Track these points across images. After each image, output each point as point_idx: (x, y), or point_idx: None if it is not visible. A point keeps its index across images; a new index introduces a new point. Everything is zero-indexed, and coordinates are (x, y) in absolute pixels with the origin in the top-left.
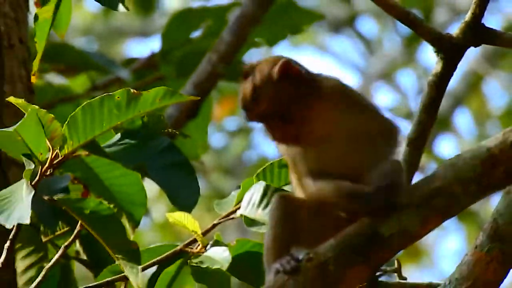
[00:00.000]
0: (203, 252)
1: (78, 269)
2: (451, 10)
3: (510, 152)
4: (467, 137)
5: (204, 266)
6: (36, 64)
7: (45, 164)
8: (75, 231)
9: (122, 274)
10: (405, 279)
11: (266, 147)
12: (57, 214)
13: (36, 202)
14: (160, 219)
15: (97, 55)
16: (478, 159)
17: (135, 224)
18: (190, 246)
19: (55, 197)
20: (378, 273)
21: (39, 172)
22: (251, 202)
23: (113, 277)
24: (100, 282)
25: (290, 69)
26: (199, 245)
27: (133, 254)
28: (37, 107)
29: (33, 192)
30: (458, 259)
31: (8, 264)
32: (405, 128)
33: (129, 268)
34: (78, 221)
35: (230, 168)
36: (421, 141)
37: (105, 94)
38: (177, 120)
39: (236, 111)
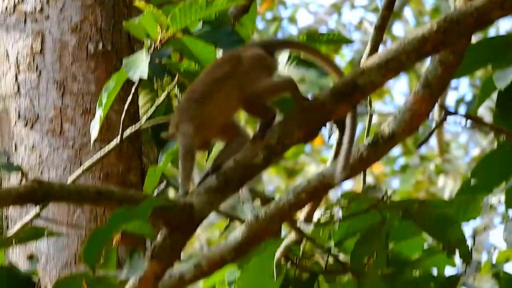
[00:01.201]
0: None
1: None
2: None
3: (435, 35)
4: (411, 24)
5: None
6: None
7: (157, 41)
8: (175, 81)
9: None
10: (373, 108)
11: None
12: (164, 71)
13: (151, 64)
14: None
15: None
16: (416, 39)
17: None
18: None
19: (163, 61)
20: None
21: (153, 45)
22: (281, 63)
23: None
24: None
25: None
26: None
27: None
28: (152, 5)
29: (149, 58)
30: (405, 97)
31: (133, 101)
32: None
33: None
34: (176, 75)
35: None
36: (383, 27)
37: None
38: (236, 15)
39: (271, 7)
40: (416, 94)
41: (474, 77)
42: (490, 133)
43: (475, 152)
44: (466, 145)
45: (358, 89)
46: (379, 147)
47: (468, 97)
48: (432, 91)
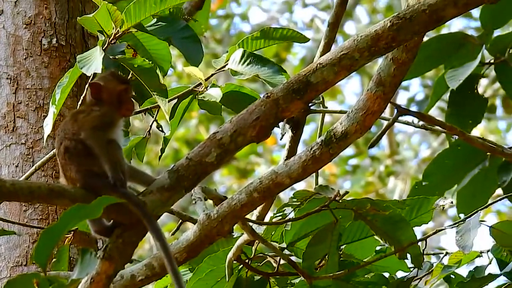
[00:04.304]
0: (205, 91)
1: None
2: None
3: (388, 32)
4: (364, 22)
5: (205, 99)
6: None
7: (111, 37)
8: (128, 77)
9: (156, 104)
10: (326, 107)
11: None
12: (117, 67)
13: (105, 60)
14: (179, 71)
15: None
16: (369, 36)
17: (164, 73)
18: (197, 87)
19: (117, 57)
20: (310, 104)
21: (107, 41)
22: (235, 60)
23: (151, 105)
24: (143, 108)
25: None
26: (203, 86)
27: (163, 92)
28: (106, 2)
29: (103, 54)
30: (357, 97)
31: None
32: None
33: (160, 100)
34: (130, 72)
35: (222, 39)
36: (336, 24)
37: None
38: (190, 11)
39: (224, 5)
40: (369, 92)
41: (425, 77)
42: (442, 135)
43: (426, 153)
44: (417, 146)
45: (311, 86)
46: (332, 146)
47: (420, 96)
48: (385, 88)
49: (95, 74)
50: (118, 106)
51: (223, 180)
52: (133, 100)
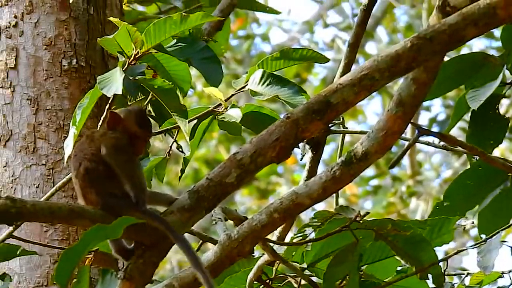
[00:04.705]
0: (225, 112)
1: None
2: None
3: (408, 53)
4: (384, 42)
5: (225, 119)
6: None
7: (131, 58)
8: (148, 98)
9: (176, 124)
10: (346, 127)
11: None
12: (137, 88)
13: (125, 80)
14: (199, 91)
15: None
16: (389, 56)
17: (184, 94)
18: (217, 108)
19: (137, 78)
20: (330, 125)
21: (127, 62)
22: (254, 81)
23: (171, 126)
24: (163, 129)
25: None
26: (223, 107)
27: (183, 113)
28: (126, 23)
29: (123, 75)
30: (378, 117)
31: (106, 117)
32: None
33: (180, 121)
34: (150, 92)
35: (243, 59)
36: (356, 44)
37: (167, 16)
38: (210, 32)
39: (244, 26)
40: (389, 112)
41: (447, 98)
42: (463, 155)
43: (447, 174)
44: (439, 166)
45: (331, 107)
46: (353, 166)
47: (441, 117)
48: (405, 109)
49: (115, 95)
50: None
51: (244, 200)
52: (151, 121)
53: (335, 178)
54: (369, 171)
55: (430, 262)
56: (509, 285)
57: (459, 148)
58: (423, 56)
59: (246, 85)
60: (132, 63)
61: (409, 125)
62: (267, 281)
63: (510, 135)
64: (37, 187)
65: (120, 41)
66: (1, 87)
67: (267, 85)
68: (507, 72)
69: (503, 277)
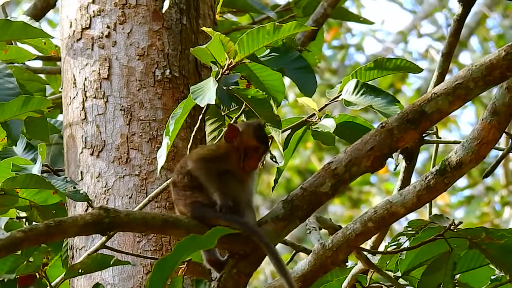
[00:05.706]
0: (318, 122)
1: None
2: None
3: (503, 61)
4: (478, 52)
5: (319, 130)
6: (218, 7)
7: (224, 67)
8: (242, 108)
9: (270, 134)
10: (440, 137)
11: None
12: (231, 98)
13: (218, 90)
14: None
15: (256, 2)
16: (483, 65)
17: (278, 104)
18: (311, 118)
19: (230, 88)
20: (423, 135)
21: (220, 72)
22: (348, 91)
23: None
24: None
25: None
26: (316, 117)
27: (277, 122)
28: (219, 33)
29: (217, 85)
30: (472, 127)
31: (200, 128)
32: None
33: (274, 130)
34: (243, 102)
35: (337, 69)
36: (450, 54)
37: (260, 26)
38: (303, 42)
39: (338, 36)
40: (484, 121)
41: None
42: None
43: None
44: None
45: (425, 116)
46: (447, 175)
47: None
48: (500, 118)
49: (208, 105)
50: (243, 157)
51: (336, 209)
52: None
53: (429, 187)
54: (462, 181)
55: None
56: None
57: None
58: None
59: (340, 95)
60: (226, 73)
61: (503, 135)
62: None
63: None
64: (129, 197)
65: (213, 51)
66: (95, 98)
67: (361, 95)
68: None
69: None
